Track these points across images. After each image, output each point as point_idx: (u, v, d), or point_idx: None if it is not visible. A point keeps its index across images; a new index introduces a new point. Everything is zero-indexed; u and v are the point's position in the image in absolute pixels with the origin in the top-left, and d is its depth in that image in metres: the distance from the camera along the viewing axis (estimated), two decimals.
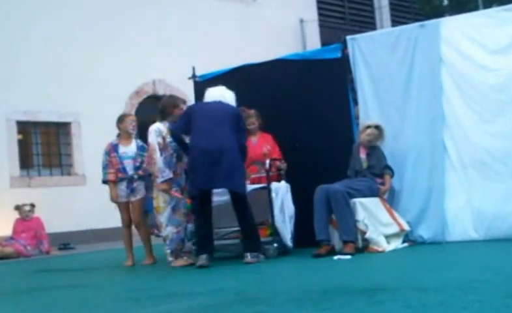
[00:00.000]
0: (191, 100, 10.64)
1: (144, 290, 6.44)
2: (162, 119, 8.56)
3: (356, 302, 4.64)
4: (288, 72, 9.45)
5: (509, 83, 8.23)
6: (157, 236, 11.46)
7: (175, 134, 8.26)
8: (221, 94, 8.36)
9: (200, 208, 8.13)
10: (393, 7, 24.06)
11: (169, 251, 8.44)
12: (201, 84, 9.98)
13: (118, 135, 9.36)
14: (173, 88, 17.09)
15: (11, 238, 13.22)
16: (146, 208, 15.72)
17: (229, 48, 17.26)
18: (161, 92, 17.29)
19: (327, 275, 6.50)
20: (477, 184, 8.35)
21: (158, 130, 8.43)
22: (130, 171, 9.20)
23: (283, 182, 8.75)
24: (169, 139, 8.41)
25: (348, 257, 7.62)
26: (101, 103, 15.85)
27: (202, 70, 10.27)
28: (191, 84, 10.30)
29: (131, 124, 9.37)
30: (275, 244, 8.43)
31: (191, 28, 17.80)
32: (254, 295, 5.41)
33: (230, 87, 8.71)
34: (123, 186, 9.23)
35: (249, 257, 7.88)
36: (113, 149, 9.30)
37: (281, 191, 8.64)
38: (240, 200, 8.04)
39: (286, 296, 5.23)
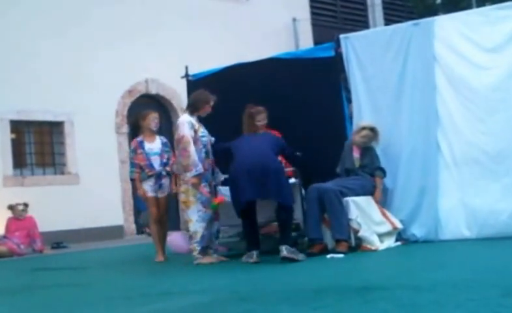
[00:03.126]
0: (184, 99, 10.64)
1: (137, 289, 6.43)
2: (192, 112, 8.45)
3: (349, 300, 4.64)
4: (281, 70, 9.45)
5: (503, 82, 8.25)
6: (150, 235, 11.44)
7: (216, 150, 8.51)
8: None
9: (246, 217, 8.05)
10: (386, 6, 24.03)
11: (198, 248, 8.20)
12: (194, 83, 9.98)
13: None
14: (166, 87, 17.09)
15: (4, 237, 13.20)
16: (139, 207, 15.74)
17: (222, 47, 17.23)
18: (153, 91, 17.27)
19: (320, 274, 6.51)
20: (470, 183, 8.36)
21: (191, 122, 8.31)
22: (158, 167, 9.22)
23: (293, 180, 8.72)
24: (200, 133, 8.36)
25: (341, 255, 7.63)
26: (94, 102, 15.82)
27: (195, 69, 10.26)
28: (184, 83, 10.29)
29: (153, 121, 9.41)
30: (306, 238, 8.44)
31: (183, 27, 17.76)
32: (247, 294, 5.41)
33: (223, 86, 8.71)
34: (151, 182, 9.25)
35: (284, 251, 7.56)
36: (139, 145, 9.36)
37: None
38: (286, 210, 7.91)
39: (279, 294, 5.23)
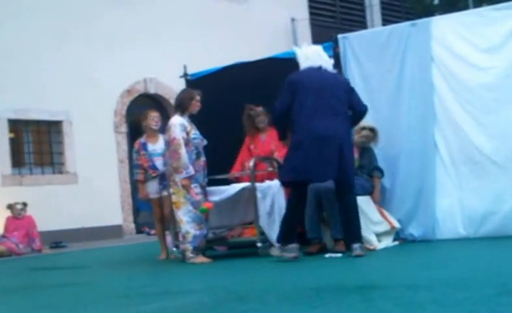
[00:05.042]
0: None
1: (136, 288, 6.45)
2: (182, 112, 8.42)
3: (348, 299, 4.66)
4: (279, 70, 9.40)
5: (500, 82, 8.27)
6: (148, 234, 11.42)
7: (278, 113, 7.77)
8: (319, 56, 7.97)
9: (297, 195, 7.65)
10: (384, 6, 24.04)
11: (190, 247, 8.16)
12: (193, 82, 9.99)
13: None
14: (164, 86, 17.09)
15: (3, 236, 13.20)
16: (138, 206, 15.72)
17: (221, 47, 17.22)
18: (152, 90, 17.27)
19: (318, 273, 6.52)
20: (467, 183, 8.38)
21: (183, 124, 8.29)
22: (161, 168, 9.16)
23: (275, 181, 8.54)
24: (192, 135, 8.33)
25: (340, 255, 7.64)
26: (93, 101, 15.81)
27: (193, 69, 10.27)
28: (182, 82, 10.30)
29: (153, 121, 9.41)
30: (260, 244, 8.34)
31: (182, 26, 17.76)
32: (246, 293, 5.43)
33: (221, 85, 8.71)
34: (155, 182, 9.26)
35: (358, 249, 7.37)
36: (142, 146, 9.38)
37: (272, 190, 8.52)
38: (349, 190, 7.59)
39: (278, 294, 5.25)
